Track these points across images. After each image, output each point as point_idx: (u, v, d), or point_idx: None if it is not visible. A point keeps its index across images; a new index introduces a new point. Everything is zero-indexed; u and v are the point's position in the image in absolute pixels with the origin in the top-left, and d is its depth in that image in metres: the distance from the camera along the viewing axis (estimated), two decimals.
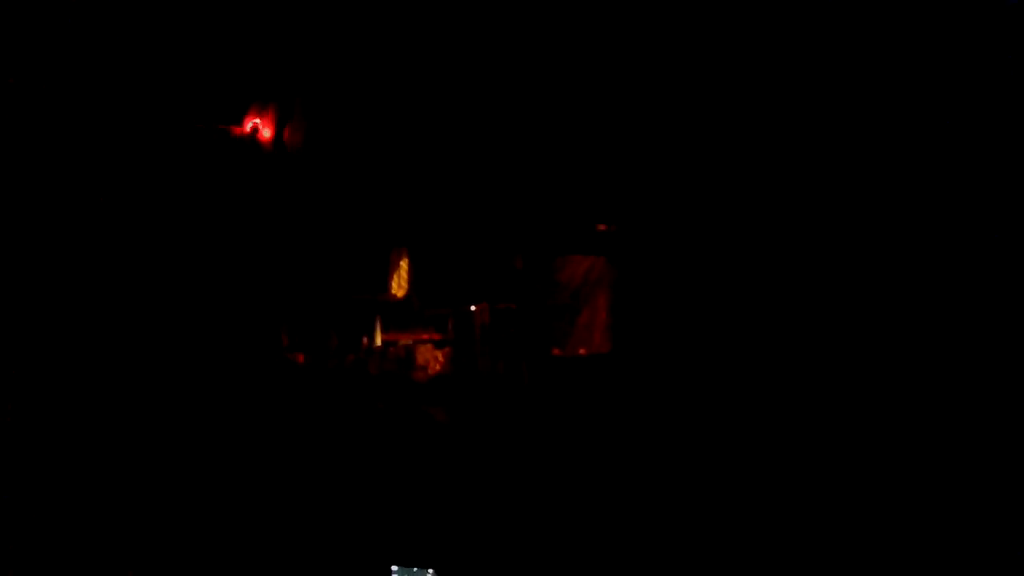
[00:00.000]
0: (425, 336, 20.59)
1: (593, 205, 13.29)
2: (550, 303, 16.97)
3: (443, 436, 11.00)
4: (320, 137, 12.14)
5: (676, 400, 8.75)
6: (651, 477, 7.39)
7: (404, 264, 16.17)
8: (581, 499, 7.54)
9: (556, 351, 16.38)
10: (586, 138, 10.99)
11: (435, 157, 13.18)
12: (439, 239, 15.57)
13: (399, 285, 16.29)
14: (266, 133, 10.69)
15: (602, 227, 14.00)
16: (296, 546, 6.53)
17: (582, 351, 15.83)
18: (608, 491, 7.50)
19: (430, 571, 5.67)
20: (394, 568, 5.78)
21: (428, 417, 11.93)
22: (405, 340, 20.64)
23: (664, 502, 6.95)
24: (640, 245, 12.51)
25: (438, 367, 19.19)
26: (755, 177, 7.24)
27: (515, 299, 17.79)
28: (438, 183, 13.38)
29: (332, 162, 12.75)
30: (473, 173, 13.02)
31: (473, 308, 18.98)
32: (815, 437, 6.32)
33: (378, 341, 21.44)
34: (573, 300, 16.11)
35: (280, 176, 11.62)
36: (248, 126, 10.56)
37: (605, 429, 9.44)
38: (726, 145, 7.41)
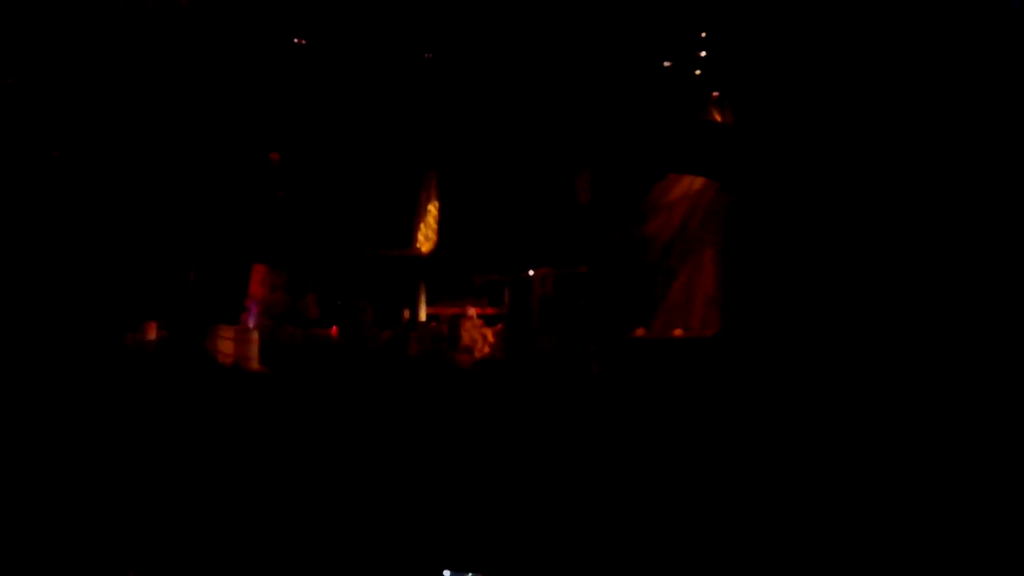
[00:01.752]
0: (475, 310, 16.41)
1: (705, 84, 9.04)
2: (633, 264, 12.42)
3: (486, 438, 8.39)
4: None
5: (814, 406, 7.12)
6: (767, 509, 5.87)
7: (433, 208, 11.97)
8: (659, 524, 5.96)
9: (640, 331, 11.91)
10: None
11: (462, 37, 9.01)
12: (477, 158, 11.32)
13: (426, 236, 12.10)
14: None
15: (716, 115, 9.24)
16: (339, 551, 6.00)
17: (676, 332, 11.28)
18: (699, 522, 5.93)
19: None
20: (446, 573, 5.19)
21: (472, 416, 9.40)
22: (450, 313, 16.60)
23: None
24: (781, 156, 8.14)
25: (487, 349, 14.95)
26: None
27: (587, 259, 13.36)
28: (472, 74, 9.18)
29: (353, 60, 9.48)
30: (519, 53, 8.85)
31: (531, 274, 14.59)
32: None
33: (422, 314, 17.49)
34: (665, 258, 11.60)
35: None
36: None
37: (703, 444, 7.33)
38: None
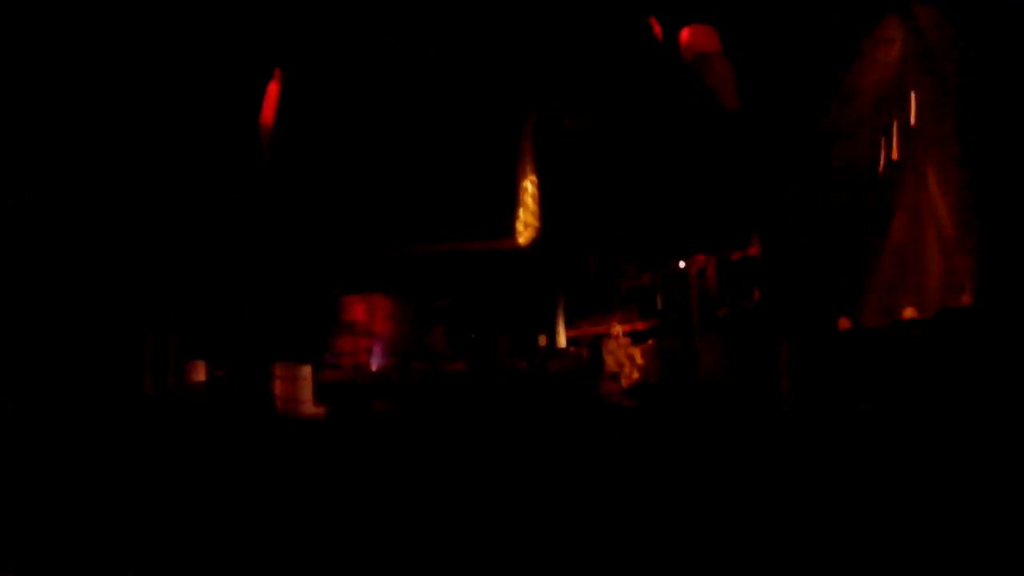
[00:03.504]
0: (622, 327, 13.03)
1: None
2: (819, 229, 8.49)
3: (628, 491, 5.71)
4: None
5: None
6: None
7: (530, 184, 8.59)
8: None
9: (844, 322, 7.94)
10: None
11: None
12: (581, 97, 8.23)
13: (526, 222, 8.79)
14: None
15: None
16: None
17: (906, 312, 7.14)
18: None
19: None
20: None
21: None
22: (591, 333, 13.35)
23: None
24: None
25: (635, 374, 11.41)
26: None
27: (758, 230, 9.54)
28: None
29: None
30: None
31: (682, 265, 10.94)
32: None
33: (561, 340, 14.48)
34: (863, 209, 7.55)
35: None
36: None
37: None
38: None
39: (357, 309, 15.25)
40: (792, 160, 8.38)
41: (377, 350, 14.45)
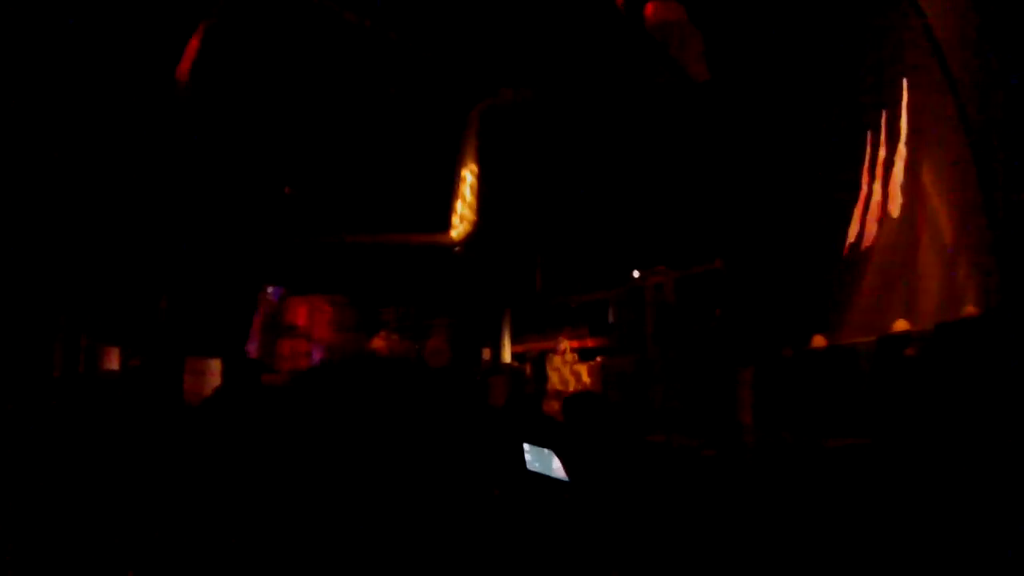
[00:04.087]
0: (570, 342, 12.01)
1: None
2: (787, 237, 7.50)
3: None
4: None
5: None
6: None
7: (470, 173, 7.29)
8: None
9: (818, 340, 6.87)
10: None
11: None
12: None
13: (462, 215, 7.36)
14: None
15: None
16: None
17: (897, 325, 6.03)
18: None
19: None
20: None
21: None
22: (536, 349, 12.28)
23: None
24: None
25: (580, 387, 10.20)
26: None
27: (725, 235, 8.51)
28: None
29: None
30: None
31: (636, 276, 9.87)
32: None
33: (507, 354, 13.50)
34: (835, 197, 6.45)
35: None
36: None
37: None
38: None
39: (298, 312, 14.05)
40: (765, 146, 7.37)
41: (317, 355, 13.39)
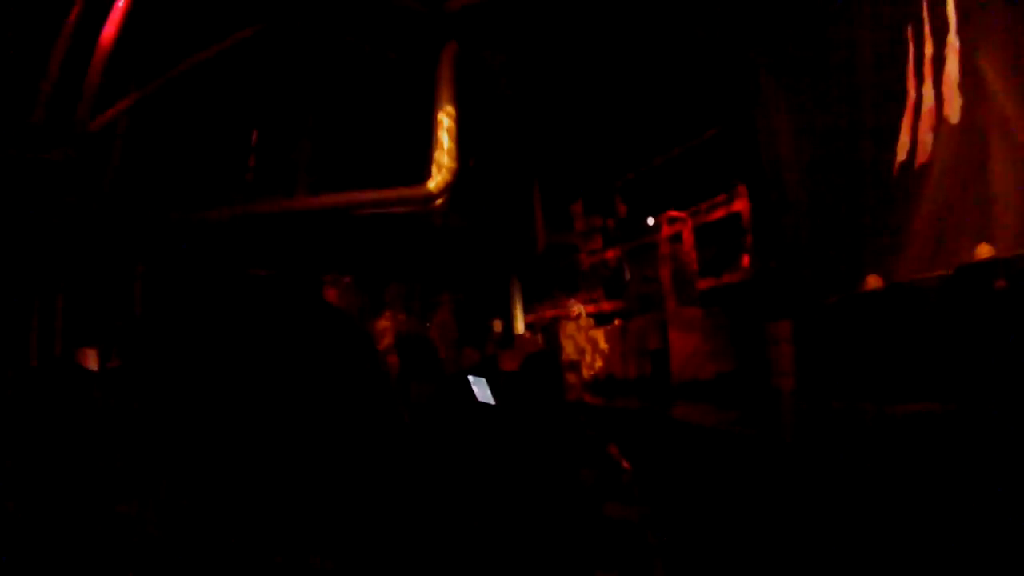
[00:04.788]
0: (584, 307, 10.91)
1: None
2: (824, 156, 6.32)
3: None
4: None
5: None
6: None
7: (447, 116, 6.24)
8: None
9: (872, 280, 5.75)
10: None
11: None
12: None
13: (439, 163, 6.34)
14: None
15: None
16: None
17: (980, 250, 4.94)
18: None
19: None
20: None
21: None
22: (548, 316, 11.17)
23: None
24: None
25: (599, 363, 9.10)
26: None
27: (746, 173, 7.35)
28: None
29: None
30: None
31: (651, 223, 8.70)
32: None
33: (519, 326, 12.41)
34: (877, 108, 5.25)
35: None
36: None
37: None
38: None
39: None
40: (786, 50, 6.11)
41: None
